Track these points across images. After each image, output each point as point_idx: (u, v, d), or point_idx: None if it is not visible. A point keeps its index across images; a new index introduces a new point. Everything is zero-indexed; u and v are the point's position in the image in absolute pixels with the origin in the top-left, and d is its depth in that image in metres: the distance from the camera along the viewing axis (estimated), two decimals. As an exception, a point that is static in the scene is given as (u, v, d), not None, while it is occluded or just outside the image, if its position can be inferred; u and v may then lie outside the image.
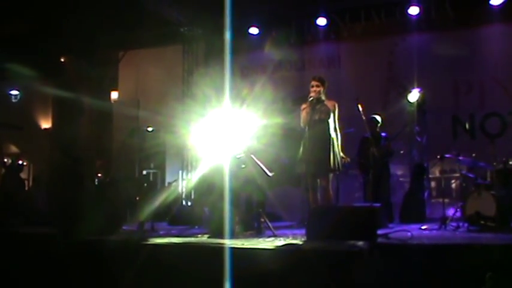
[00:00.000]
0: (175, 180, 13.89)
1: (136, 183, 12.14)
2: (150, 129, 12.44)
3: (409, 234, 7.34)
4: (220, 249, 6.67)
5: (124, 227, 9.40)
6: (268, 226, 8.59)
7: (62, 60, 16.07)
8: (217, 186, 8.73)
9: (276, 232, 8.43)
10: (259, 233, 8.61)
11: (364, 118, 9.28)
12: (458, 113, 12.15)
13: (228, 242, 7.14)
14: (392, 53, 12.82)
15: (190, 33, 14.31)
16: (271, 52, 13.39)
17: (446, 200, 10.23)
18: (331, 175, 8.29)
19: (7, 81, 16.68)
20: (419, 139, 11.86)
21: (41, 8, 13.11)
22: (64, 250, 7.78)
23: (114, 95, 16.27)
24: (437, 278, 6.01)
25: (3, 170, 15.26)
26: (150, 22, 13.16)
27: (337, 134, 8.39)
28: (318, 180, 8.29)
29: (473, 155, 9.68)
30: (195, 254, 6.99)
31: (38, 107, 17.31)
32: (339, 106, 8.46)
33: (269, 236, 8.17)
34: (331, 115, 8.35)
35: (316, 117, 8.30)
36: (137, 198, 11.27)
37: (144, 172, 12.82)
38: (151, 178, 13.64)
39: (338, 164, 8.25)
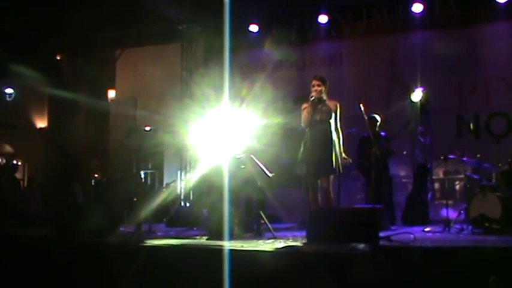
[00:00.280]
0: (173, 181, 13.90)
1: (133, 183, 12.13)
2: (148, 128, 12.41)
3: (411, 236, 7.35)
4: (219, 251, 6.68)
5: (121, 229, 9.40)
6: (268, 228, 8.60)
7: (58, 58, 16.08)
8: (217, 187, 8.73)
9: (275, 234, 8.44)
10: (258, 235, 8.61)
11: (366, 118, 9.28)
12: (463, 113, 12.14)
13: (227, 244, 7.14)
14: (395, 52, 12.82)
15: (189, 31, 14.30)
16: (272, 50, 13.39)
17: (450, 202, 10.26)
18: (332, 176, 8.28)
19: (1, 79, 16.68)
20: (422, 139, 11.86)
21: (37, 6, 13.11)
22: (59, 252, 7.78)
23: (111, 93, 16.27)
24: (440, 281, 6.01)
25: (-3, 170, 15.25)
26: (148, 20, 13.15)
27: (338, 135, 8.38)
28: (319, 182, 8.28)
29: (478, 155, 9.69)
30: (194, 256, 7.00)
31: (33, 105, 17.30)
32: (340, 106, 8.45)
33: (269, 238, 8.18)
34: (333, 115, 8.34)
35: (318, 117, 8.29)
36: (135, 199, 11.26)
37: (142, 172, 12.82)
38: (149, 178, 13.64)
39: (339, 165, 8.24)
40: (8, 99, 17.37)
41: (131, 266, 6.92)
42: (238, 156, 8.90)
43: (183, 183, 13.98)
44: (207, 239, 8.17)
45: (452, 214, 9.60)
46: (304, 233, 7.77)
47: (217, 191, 8.45)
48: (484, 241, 7.62)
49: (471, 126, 11.93)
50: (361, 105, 8.95)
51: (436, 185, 12.13)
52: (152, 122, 12.77)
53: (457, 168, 10.82)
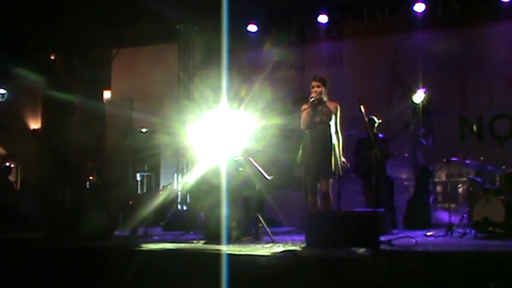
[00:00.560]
0: (170, 184, 13.88)
1: (129, 186, 12.13)
2: (144, 130, 12.44)
3: (413, 240, 7.35)
4: (216, 255, 6.68)
5: (116, 232, 9.40)
6: (267, 232, 8.60)
7: (53, 57, 16.07)
8: (214, 189, 8.73)
9: (274, 238, 8.45)
10: (257, 239, 8.62)
11: (366, 119, 9.28)
12: (466, 114, 12.12)
13: (225, 248, 7.16)
14: (396, 52, 12.82)
15: (187, 30, 14.29)
16: (271, 51, 13.38)
17: (452, 205, 10.25)
18: (331, 179, 8.28)
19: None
20: (424, 141, 11.84)
21: (31, 4, 13.10)
22: (53, 257, 7.77)
23: (107, 94, 16.26)
24: (441, 286, 6.00)
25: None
26: (145, 19, 13.14)
27: (338, 137, 8.37)
28: (318, 185, 8.28)
29: (481, 158, 9.67)
30: (190, 261, 7.00)
31: (26, 106, 17.26)
32: (341, 108, 8.44)
33: (267, 242, 8.19)
34: (333, 117, 8.33)
35: (317, 119, 8.28)
36: (130, 202, 11.26)
37: (138, 175, 12.81)
38: (145, 181, 13.63)
39: (339, 168, 8.23)
40: (0, 99, 17.34)
41: (127, 270, 6.92)
42: (236, 159, 8.90)
43: (180, 185, 13.98)
44: (204, 243, 8.18)
45: (455, 218, 9.58)
46: (303, 237, 7.77)
47: (215, 194, 8.45)
48: (487, 246, 7.61)
49: (474, 128, 11.92)
50: (361, 106, 8.95)
51: (438, 188, 12.13)
52: (148, 123, 12.80)
53: (460, 171, 10.81)
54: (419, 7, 12.17)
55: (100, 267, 7.35)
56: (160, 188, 13.74)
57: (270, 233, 8.53)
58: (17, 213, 11.51)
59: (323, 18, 13.08)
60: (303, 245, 7.49)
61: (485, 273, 5.88)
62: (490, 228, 8.56)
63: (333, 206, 8.29)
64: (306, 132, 8.27)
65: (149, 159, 12.95)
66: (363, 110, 9.00)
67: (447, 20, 12.22)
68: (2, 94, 17.21)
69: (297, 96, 11.85)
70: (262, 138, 9.70)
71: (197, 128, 10.68)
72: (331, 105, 8.39)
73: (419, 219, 10.70)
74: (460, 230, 9.13)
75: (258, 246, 7.76)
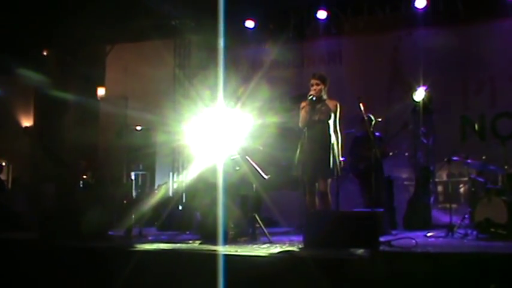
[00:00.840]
0: (165, 183, 13.89)
1: (124, 185, 12.13)
2: (139, 128, 12.43)
3: (413, 241, 7.38)
4: (212, 256, 6.70)
5: (110, 232, 9.40)
6: (264, 232, 8.60)
7: (45, 53, 16.05)
8: (210, 189, 8.73)
9: (271, 238, 8.46)
10: (254, 239, 8.63)
11: (365, 118, 9.29)
12: (467, 113, 12.13)
13: (221, 249, 7.17)
14: (396, 49, 12.83)
15: (183, 26, 14.29)
16: (268, 47, 13.38)
17: (453, 206, 10.26)
18: (330, 179, 8.29)
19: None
20: (425, 141, 11.86)
21: (23, 0, 13.08)
22: (46, 257, 7.77)
23: (101, 91, 16.24)
24: (442, 288, 6.03)
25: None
26: (140, 15, 13.13)
27: (337, 136, 8.38)
28: (316, 184, 8.29)
29: (483, 157, 9.69)
30: (186, 261, 7.01)
31: (18, 103, 17.24)
32: (340, 106, 8.44)
33: (264, 243, 8.20)
34: (332, 116, 8.34)
35: (316, 117, 8.29)
36: (125, 202, 11.26)
37: (133, 174, 12.81)
38: (140, 180, 13.63)
39: (337, 168, 8.24)
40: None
41: (121, 271, 6.93)
42: (233, 158, 8.91)
43: (176, 185, 13.98)
44: (200, 244, 8.18)
45: (456, 219, 9.59)
46: (301, 238, 7.78)
47: (211, 193, 8.46)
48: (489, 247, 7.62)
49: (476, 127, 11.94)
50: (361, 104, 8.96)
51: (439, 188, 12.13)
52: (144, 121, 12.79)
53: (461, 170, 10.85)
54: (420, 3, 12.17)
55: (93, 267, 7.35)
56: (156, 187, 13.74)
57: (267, 233, 8.54)
58: (8, 213, 11.51)
59: (322, 14, 13.08)
60: (300, 246, 7.50)
61: (487, 275, 5.89)
62: (492, 229, 8.58)
63: (331, 206, 8.31)
64: (304, 130, 8.28)
65: (144, 158, 12.94)
66: (362, 108, 9.00)
67: (449, 16, 12.21)
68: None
69: (296, 94, 11.85)
70: (260, 136, 9.72)
71: (193, 126, 10.68)
72: (330, 104, 8.39)
73: (420, 219, 10.73)
74: (461, 231, 9.15)
75: (255, 246, 7.77)
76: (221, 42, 10.79)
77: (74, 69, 15.03)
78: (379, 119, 10.75)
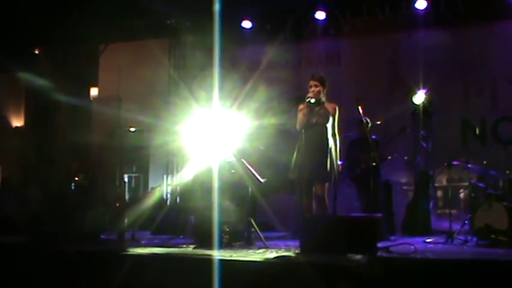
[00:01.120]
0: (159, 185, 13.88)
1: (116, 187, 12.11)
2: (132, 129, 12.42)
3: (412, 247, 7.37)
4: (206, 261, 6.69)
5: (102, 236, 9.39)
6: (259, 236, 8.60)
7: (37, 52, 16.03)
8: (205, 192, 8.73)
9: (267, 243, 8.46)
10: (249, 244, 8.64)
11: (364, 121, 9.29)
12: (468, 117, 12.15)
13: (216, 254, 7.16)
14: (396, 51, 12.85)
15: (178, 25, 14.28)
16: (265, 48, 13.38)
17: (453, 211, 10.27)
18: (327, 183, 8.28)
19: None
20: (424, 144, 11.86)
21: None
22: (36, 261, 7.75)
23: (94, 91, 16.23)
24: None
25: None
26: (133, 13, 13.12)
27: (335, 140, 8.37)
28: (313, 188, 8.28)
29: (484, 162, 9.70)
30: (180, 266, 7.00)
31: (8, 103, 17.22)
32: (339, 109, 8.44)
33: (260, 248, 8.20)
34: (331, 119, 8.33)
35: (314, 120, 8.28)
36: (117, 205, 11.24)
37: (126, 176, 12.79)
38: (133, 182, 13.62)
39: (335, 172, 8.24)
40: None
41: (113, 276, 6.92)
42: (228, 160, 8.90)
43: (170, 187, 13.97)
44: (194, 248, 8.18)
45: (456, 224, 9.59)
46: (297, 243, 7.77)
47: (206, 197, 8.46)
48: (489, 254, 7.63)
49: (477, 130, 11.96)
50: (359, 107, 8.95)
51: (439, 193, 12.14)
52: (137, 122, 12.77)
53: (461, 175, 10.83)
54: (420, 4, 12.20)
55: (85, 272, 7.34)
56: (149, 189, 13.73)
57: (262, 238, 8.54)
58: (-3, 215, 11.49)
59: (320, 15, 13.09)
60: (297, 251, 7.50)
61: (487, 283, 5.90)
62: (493, 236, 8.58)
63: (328, 210, 8.30)
64: (301, 133, 8.27)
65: (138, 160, 12.94)
66: (360, 111, 8.99)
67: (450, 18, 12.24)
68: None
69: (294, 96, 11.86)
70: (256, 138, 9.72)
71: (189, 128, 10.68)
72: (329, 106, 8.38)
73: (419, 225, 10.72)
74: (461, 237, 9.14)
75: (250, 251, 7.77)
76: (217, 42, 10.79)
77: (66, 68, 15.01)
78: (378, 122, 10.77)
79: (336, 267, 6.23)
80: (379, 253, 6.93)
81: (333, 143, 8.30)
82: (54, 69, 15.14)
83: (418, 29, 12.42)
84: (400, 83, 12.50)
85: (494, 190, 9.46)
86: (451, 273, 6.14)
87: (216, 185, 8.33)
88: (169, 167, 14.27)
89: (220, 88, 10.42)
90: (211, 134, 9.28)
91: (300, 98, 8.64)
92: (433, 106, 11.86)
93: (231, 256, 7.02)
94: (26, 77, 15.04)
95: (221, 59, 11.07)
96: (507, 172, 9.39)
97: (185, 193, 12.02)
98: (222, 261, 6.61)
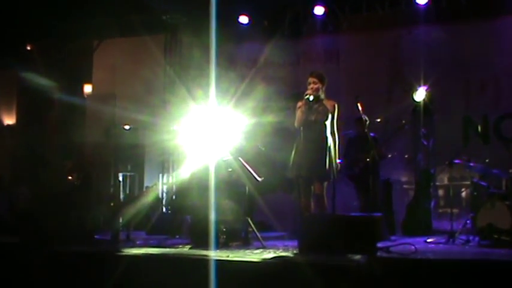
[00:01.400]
0: (154, 184, 13.87)
1: (111, 187, 12.11)
2: (127, 127, 12.42)
3: (412, 248, 7.38)
4: (203, 261, 6.70)
5: (96, 236, 9.38)
6: (257, 236, 8.60)
7: (29, 48, 16.02)
8: (201, 191, 8.72)
9: (265, 243, 8.46)
10: (246, 244, 8.65)
11: (363, 119, 9.29)
12: (470, 114, 12.13)
13: (212, 254, 7.16)
14: (396, 47, 12.83)
15: (174, 21, 14.28)
16: (263, 44, 13.37)
17: (455, 211, 10.28)
18: (326, 182, 8.28)
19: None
20: (425, 142, 11.87)
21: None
22: (28, 262, 7.75)
23: (88, 88, 16.22)
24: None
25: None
26: (128, 8, 13.11)
27: (334, 138, 8.37)
28: (312, 187, 8.28)
29: (486, 160, 9.72)
30: (176, 267, 7.01)
31: (0, 100, 17.22)
32: (338, 107, 8.43)
33: (257, 248, 8.21)
34: (330, 117, 8.32)
35: (313, 117, 8.27)
36: (112, 204, 11.24)
37: (121, 175, 12.79)
38: (128, 181, 13.61)
39: (334, 171, 8.23)
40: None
41: (107, 277, 6.92)
42: (225, 158, 8.90)
43: (165, 187, 13.97)
44: (190, 248, 8.19)
45: (458, 224, 9.61)
46: (295, 243, 7.78)
47: (202, 196, 8.45)
48: (491, 254, 7.64)
49: (479, 128, 11.95)
50: (358, 104, 8.95)
51: (440, 192, 12.14)
52: (132, 120, 12.77)
53: (463, 174, 10.83)
54: (421, -1, 12.21)
55: (78, 273, 7.33)
56: (144, 189, 13.73)
57: (260, 238, 8.54)
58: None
59: (319, 10, 13.08)
60: (295, 251, 7.51)
61: (490, 283, 5.91)
62: (495, 236, 8.57)
63: (327, 210, 8.30)
64: (300, 131, 8.27)
65: (133, 159, 12.93)
66: (360, 108, 8.99)
67: (451, 13, 12.23)
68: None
69: (292, 93, 11.85)
70: (253, 136, 9.72)
71: (185, 126, 10.68)
72: (328, 104, 8.37)
73: (420, 225, 10.73)
74: (463, 237, 9.15)
75: (248, 251, 7.78)
76: (214, 39, 10.78)
77: (59, 65, 15.00)
78: (378, 120, 10.76)
79: (335, 267, 6.24)
80: (378, 253, 6.94)
81: (332, 141, 8.29)
82: (47, 66, 15.13)
83: (419, 25, 12.41)
84: (400, 80, 12.50)
85: (497, 189, 9.47)
86: (453, 274, 6.15)
87: (212, 184, 8.33)
88: (165, 166, 14.27)
89: (217, 85, 10.41)
90: (208, 132, 9.27)
91: (299, 95, 8.64)
92: (434, 103, 11.87)
93: (228, 256, 7.02)
94: (18, 74, 15.04)
95: (218, 56, 11.05)
96: (510, 171, 9.41)
97: (181, 192, 12.00)
98: (219, 262, 6.62)
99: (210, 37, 10.70)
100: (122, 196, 12.50)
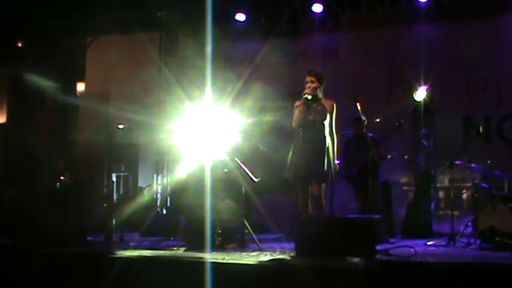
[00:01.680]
0: (149, 185, 13.87)
1: (104, 187, 12.10)
2: (121, 126, 12.39)
3: (412, 250, 7.37)
4: (198, 263, 6.71)
5: (89, 238, 9.38)
6: (253, 238, 8.60)
7: (20, 45, 15.99)
8: (197, 192, 8.72)
9: (261, 245, 8.46)
10: (242, 246, 8.65)
11: (362, 118, 9.29)
12: (471, 114, 12.14)
13: (208, 256, 7.16)
14: (396, 46, 12.84)
15: (169, 18, 14.27)
16: (260, 42, 13.36)
17: (455, 213, 10.29)
18: (324, 183, 8.28)
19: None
20: (425, 143, 11.88)
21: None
22: (19, 264, 7.74)
23: (81, 86, 16.21)
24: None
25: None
26: (123, 4, 13.10)
27: (333, 138, 8.38)
28: (310, 188, 8.28)
29: (488, 162, 9.70)
30: (170, 269, 7.01)
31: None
32: (337, 107, 8.44)
33: (254, 250, 8.21)
34: (328, 116, 8.33)
35: (311, 117, 8.29)
36: (105, 205, 11.23)
37: (114, 175, 12.78)
38: (121, 182, 13.61)
39: (332, 172, 8.24)
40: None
41: (100, 280, 6.91)
42: (221, 159, 8.90)
43: (160, 187, 13.96)
44: (185, 251, 8.19)
45: (458, 226, 9.61)
46: (293, 245, 7.78)
47: (198, 197, 8.45)
48: (493, 257, 7.62)
49: (480, 129, 11.96)
50: (357, 104, 8.95)
51: (441, 194, 12.15)
52: (126, 119, 12.73)
53: (464, 175, 10.84)
54: (423, -3, 12.21)
55: (70, 275, 7.32)
56: (138, 189, 13.72)
57: (256, 240, 8.55)
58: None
59: (318, 8, 13.07)
60: (292, 254, 7.51)
61: (490, 287, 5.91)
62: (497, 239, 8.57)
63: (325, 211, 8.30)
64: (298, 131, 8.27)
65: (126, 159, 12.95)
66: (359, 108, 8.99)
67: (453, 11, 12.23)
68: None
69: (290, 92, 11.86)
70: (250, 136, 9.72)
71: (180, 125, 10.67)
72: (326, 103, 8.38)
73: (419, 227, 10.74)
74: (464, 240, 9.14)
75: (244, 254, 7.78)
76: (210, 36, 10.78)
77: (51, 62, 14.98)
78: (377, 120, 10.77)
79: (332, 270, 6.24)
80: (378, 256, 6.95)
81: (330, 142, 8.30)
82: (38, 64, 15.12)
83: (420, 23, 12.42)
84: (400, 79, 12.49)
85: (499, 191, 9.46)
86: (453, 277, 6.15)
87: (208, 184, 8.33)
88: (159, 166, 14.26)
89: (213, 84, 10.40)
90: (204, 132, 9.27)
91: (296, 95, 8.66)
92: (434, 103, 11.88)
93: (224, 259, 7.02)
94: (9, 71, 15.02)
95: (214, 54, 11.05)
96: (512, 172, 9.41)
97: (176, 193, 12.02)
98: (214, 264, 6.63)
99: (206, 35, 10.71)
100: (115, 197, 12.49)
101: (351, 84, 12.11)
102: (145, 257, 7.55)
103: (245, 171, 8.72)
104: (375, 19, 12.91)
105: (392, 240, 9.63)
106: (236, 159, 8.80)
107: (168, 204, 13.33)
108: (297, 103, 8.36)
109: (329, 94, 8.61)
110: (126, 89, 14.34)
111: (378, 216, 8.83)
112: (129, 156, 12.94)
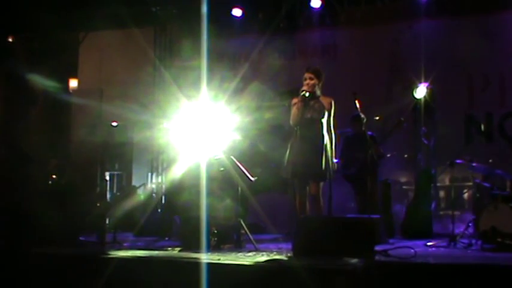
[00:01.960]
0: (143, 184, 13.87)
1: (97, 186, 12.09)
2: (114, 124, 12.41)
3: (412, 251, 7.38)
4: (193, 264, 6.70)
5: (81, 238, 9.37)
6: (250, 239, 8.61)
7: (10, 40, 15.98)
8: (192, 191, 8.72)
9: (258, 246, 8.46)
10: (238, 247, 8.65)
11: (362, 116, 9.30)
12: (473, 112, 12.14)
13: (203, 257, 7.16)
14: (396, 42, 12.84)
15: (164, 13, 14.27)
16: (257, 38, 13.36)
17: (456, 213, 10.27)
18: (322, 183, 8.29)
19: None
20: (426, 141, 11.89)
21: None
22: (9, 265, 7.73)
23: (73, 83, 16.20)
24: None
25: None
26: (116, -1, 13.10)
27: (331, 137, 8.40)
28: (308, 187, 8.29)
29: (490, 161, 9.72)
30: (165, 270, 7.01)
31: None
32: (335, 104, 8.45)
33: (250, 250, 8.20)
34: (326, 114, 8.35)
35: (309, 115, 8.31)
36: (98, 204, 11.22)
37: (107, 174, 12.79)
38: (115, 181, 13.60)
39: (330, 171, 8.25)
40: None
41: (93, 281, 6.91)
42: (217, 157, 8.91)
43: (155, 186, 13.96)
44: (179, 251, 8.19)
45: (459, 227, 9.63)
46: (290, 245, 7.78)
47: (193, 196, 8.46)
48: (495, 258, 7.65)
49: (482, 127, 11.96)
50: (356, 101, 8.96)
51: (441, 194, 12.16)
52: (120, 116, 12.75)
53: (465, 174, 10.83)
54: (422, -8, 12.22)
55: (62, 276, 7.32)
56: (132, 188, 13.72)
57: (253, 240, 8.54)
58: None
59: (316, 3, 13.07)
60: (289, 254, 7.51)
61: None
62: (499, 239, 8.58)
63: (323, 211, 8.31)
64: (295, 129, 8.28)
65: (120, 157, 12.94)
66: (358, 105, 9.00)
67: (454, 7, 12.23)
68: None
69: (287, 89, 11.85)
70: (246, 134, 9.72)
71: (175, 122, 10.68)
72: (324, 101, 8.40)
73: (420, 227, 10.74)
74: (465, 241, 9.16)
75: (240, 254, 7.78)
76: (205, 32, 10.78)
77: (43, 58, 14.96)
78: (377, 118, 10.77)
79: (330, 271, 6.24)
80: (376, 257, 6.96)
81: (328, 140, 8.32)
82: (29, 59, 15.10)
83: (420, 18, 12.43)
84: (400, 76, 12.51)
85: (501, 190, 9.45)
86: (454, 278, 6.17)
87: (204, 183, 8.33)
88: (154, 165, 14.26)
89: (209, 81, 10.40)
90: (199, 130, 9.27)
91: (294, 92, 8.66)
92: (435, 101, 11.88)
93: (219, 259, 7.02)
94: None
95: (209, 50, 11.05)
96: (514, 171, 9.43)
97: (171, 192, 12.02)
98: (210, 265, 6.62)
99: (202, 30, 10.70)
100: (108, 196, 12.49)
101: (350, 82, 12.10)
102: (139, 257, 7.55)
103: (242, 170, 8.73)
104: (374, 15, 12.91)
105: (391, 240, 9.64)
106: (232, 157, 8.81)
107: (163, 203, 13.32)
108: (295, 100, 8.38)
109: (327, 91, 8.63)
110: (120, 86, 14.33)
111: (377, 216, 8.85)
112: (123, 155, 12.95)
